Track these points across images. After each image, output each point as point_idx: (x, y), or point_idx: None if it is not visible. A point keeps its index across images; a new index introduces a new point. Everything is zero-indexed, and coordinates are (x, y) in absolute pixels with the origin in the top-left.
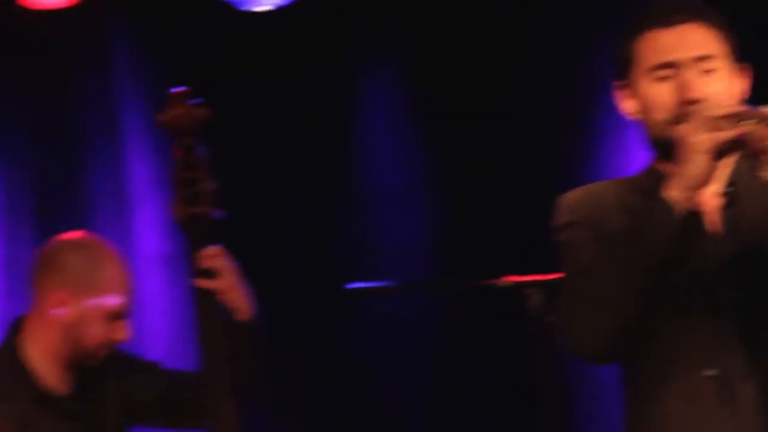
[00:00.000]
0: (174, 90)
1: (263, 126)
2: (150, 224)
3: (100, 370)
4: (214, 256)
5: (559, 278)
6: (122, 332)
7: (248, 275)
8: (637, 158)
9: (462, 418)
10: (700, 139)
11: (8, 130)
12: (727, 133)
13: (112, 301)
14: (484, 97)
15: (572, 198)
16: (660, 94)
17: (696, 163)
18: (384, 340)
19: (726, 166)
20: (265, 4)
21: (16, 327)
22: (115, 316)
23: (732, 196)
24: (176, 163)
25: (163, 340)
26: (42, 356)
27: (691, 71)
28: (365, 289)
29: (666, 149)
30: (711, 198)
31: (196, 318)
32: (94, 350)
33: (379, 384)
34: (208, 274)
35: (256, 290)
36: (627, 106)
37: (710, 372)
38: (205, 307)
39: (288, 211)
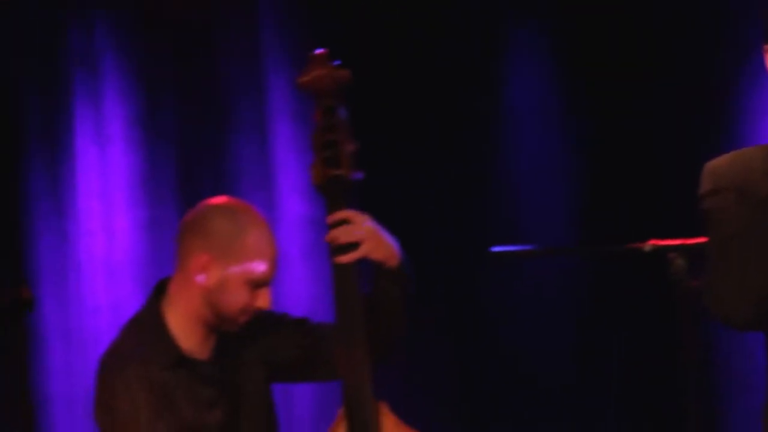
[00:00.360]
0: (315, 51)
1: (406, 88)
2: (293, 188)
3: (242, 333)
4: (350, 223)
5: (703, 243)
6: (264, 300)
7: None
8: None
9: (601, 383)
10: None
11: (154, 95)
12: None
13: (256, 269)
14: (629, 61)
15: (718, 165)
16: None
17: None
18: (527, 303)
19: None
20: None
21: (160, 289)
22: (258, 284)
23: None
24: (316, 125)
25: (304, 303)
26: (183, 320)
27: None
28: (509, 252)
29: None
30: None
31: (334, 291)
32: (235, 316)
33: (521, 347)
34: (346, 248)
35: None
36: None
37: None
38: (343, 280)
39: (432, 173)
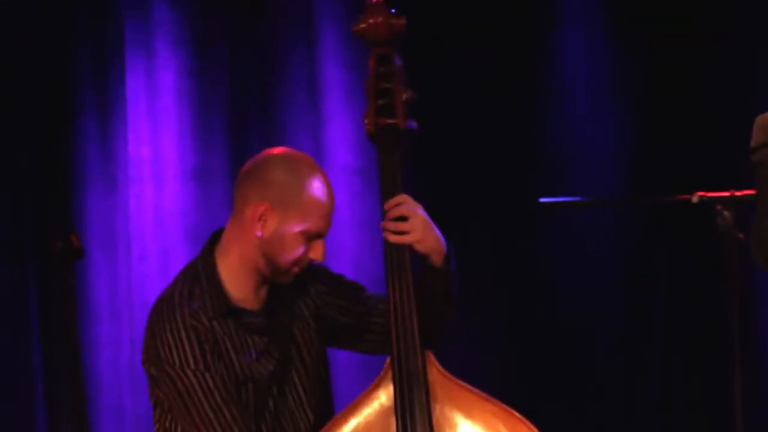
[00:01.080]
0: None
1: (458, 38)
2: (341, 138)
3: (296, 287)
4: (403, 205)
5: (751, 195)
6: (318, 252)
7: (444, 187)
8: None
9: (647, 333)
10: None
11: (204, 45)
12: None
13: (313, 221)
14: (680, 15)
15: None
16: None
17: None
18: (576, 253)
19: None
20: None
21: (215, 238)
22: (313, 236)
23: None
24: (371, 73)
25: (349, 252)
26: (235, 269)
27: None
28: (558, 203)
29: None
30: None
31: (385, 260)
32: (288, 267)
33: (569, 297)
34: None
35: (452, 202)
36: None
37: None
38: (394, 253)
39: (483, 125)
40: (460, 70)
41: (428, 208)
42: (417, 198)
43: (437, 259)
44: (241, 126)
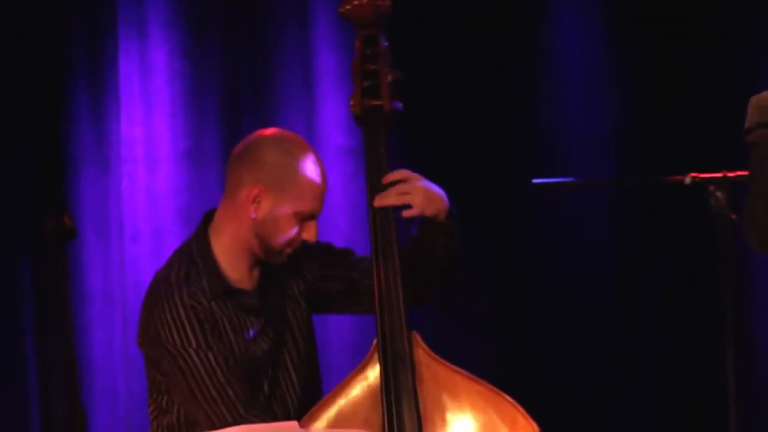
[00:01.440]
0: None
1: (450, 20)
2: (334, 118)
3: (287, 264)
4: (405, 181)
5: (744, 176)
6: (311, 232)
7: (435, 170)
8: None
9: (641, 315)
10: None
11: (198, 25)
12: None
13: (306, 202)
14: None
15: (765, 98)
16: None
17: None
18: (568, 234)
19: None
20: None
21: (208, 217)
22: (306, 217)
23: None
24: (356, 54)
25: (342, 233)
26: (229, 250)
27: None
28: (551, 184)
29: None
30: None
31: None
32: (281, 248)
33: (561, 278)
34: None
35: (443, 184)
36: None
37: None
38: (382, 220)
39: (474, 105)
40: (451, 53)
41: None
42: None
43: (441, 216)
44: (234, 107)
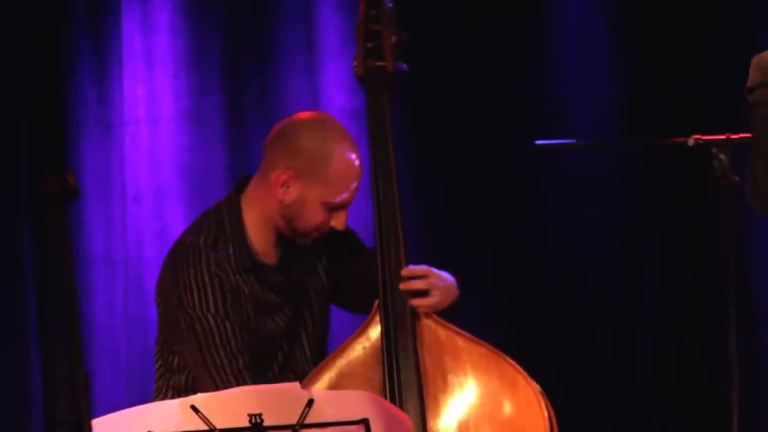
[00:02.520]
0: None
1: None
2: (337, 79)
3: (313, 244)
4: (421, 276)
5: (747, 138)
6: (340, 221)
7: (439, 134)
8: None
9: (643, 276)
10: None
11: None
12: None
13: (335, 195)
14: None
15: (767, 58)
16: None
17: None
18: (570, 196)
19: None
20: None
21: (241, 186)
22: (336, 207)
23: None
24: (361, 15)
25: None
26: (258, 223)
27: None
28: (554, 145)
29: None
30: None
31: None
32: (307, 232)
33: (564, 239)
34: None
35: (446, 147)
36: None
37: None
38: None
39: (478, 68)
40: (456, 18)
41: (422, 154)
42: (412, 143)
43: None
44: (236, 66)
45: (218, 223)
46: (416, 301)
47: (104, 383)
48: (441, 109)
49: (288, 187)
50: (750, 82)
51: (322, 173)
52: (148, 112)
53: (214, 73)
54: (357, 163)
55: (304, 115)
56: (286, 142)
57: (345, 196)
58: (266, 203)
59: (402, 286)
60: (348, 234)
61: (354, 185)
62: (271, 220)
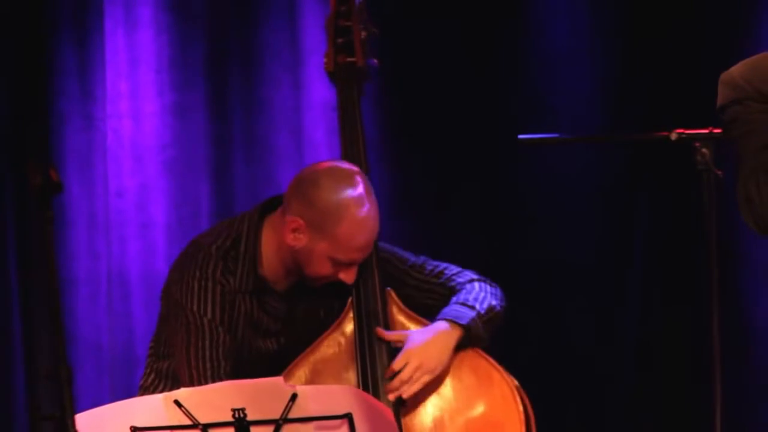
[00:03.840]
0: None
1: None
2: (320, 73)
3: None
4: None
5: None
6: (350, 276)
7: (421, 128)
8: None
9: (625, 270)
10: None
11: None
12: None
13: (342, 253)
14: None
15: (737, 74)
16: None
17: None
18: (553, 190)
19: None
20: None
21: (268, 207)
22: (344, 264)
23: None
24: (331, 11)
25: None
26: (271, 251)
27: None
28: (537, 139)
29: None
30: None
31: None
32: (315, 279)
33: (547, 233)
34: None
35: (431, 141)
36: None
37: None
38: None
39: (460, 61)
40: (436, 9)
41: (406, 149)
42: (391, 138)
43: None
44: (220, 61)
45: (236, 236)
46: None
47: (87, 378)
48: (422, 103)
49: (298, 234)
50: (721, 100)
51: (332, 231)
52: (131, 107)
53: (197, 69)
54: (370, 223)
55: (328, 165)
56: (303, 191)
57: (354, 255)
58: (281, 240)
59: (390, 396)
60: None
61: (363, 245)
62: (284, 258)
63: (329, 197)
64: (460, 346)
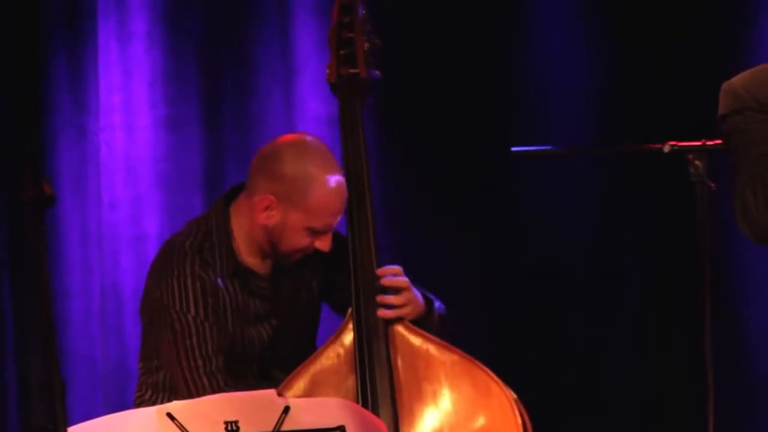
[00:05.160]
0: None
1: None
2: (313, 87)
3: (308, 256)
4: (394, 275)
5: (722, 145)
6: (325, 243)
7: (415, 140)
8: None
9: (619, 283)
10: None
11: None
12: None
13: (317, 220)
14: None
15: (739, 84)
16: None
17: None
18: (547, 202)
19: None
20: None
21: (232, 194)
22: (319, 232)
23: None
24: (334, 22)
25: None
26: (245, 238)
27: None
28: (530, 152)
29: None
30: None
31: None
32: (291, 254)
33: (540, 246)
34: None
35: (427, 152)
36: None
37: None
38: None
39: (453, 74)
40: (430, 21)
41: (399, 160)
42: (386, 149)
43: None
44: (212, 74)
45: (205, 229)
46: (383, 312)
47: (80, 390)
48: (415, 116)
49: (270, 211)
50: (722, 110)
51: (303, 199)
52: (124, 120)
53: (191, 82)
54: (339, 187)
55: (287, 138)
56: (268, 168)
57: (327, 221)
58: (251, 223)
59: (379, 299)
60: (341, 252)
61: (336, 209)
62: (257, 241)
63: (296, 168)
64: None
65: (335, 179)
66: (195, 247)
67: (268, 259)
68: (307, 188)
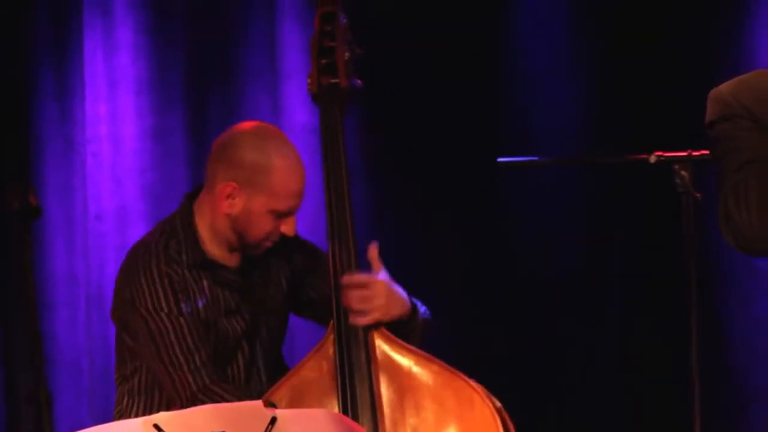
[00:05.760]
0: None
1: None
2: (300, 96)
3: (275, 252)
4: (366, 289)
5: (708, 155)
6: (290, 226)
7: (402, 150)
8: None
9: (606, 292)
10: None
11: (162, 2)
12: None
13: (280, 202)
14: None
15: (727, 91)
16: None
17: None
18: (533, 212)
19: None
20: None
21: (194, 194)
22: (283, 214)
23: None
24: (315, 31)
25: (308, 211)
26: (208, 233)
27: None
28: (516, 162)
29: None
30: None
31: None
32: (258, 242)
33: (527, 256)
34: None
35: (413, 164)
36: None
37: None
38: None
39: (439, 84)
40: (415, 30)
41: (385, 170)
42: (373, 159)
43: (404, 317)
44: (198, 85)
45: (171, 228)
46: (354, 318)
47: (66, 401)
48: (402, 127)
49: (233, 198)
50: (709, 117)
51: (266, 182)
52: (111, 131)
53: (177, 92)
54: (299, 168)
55: (243, 126)
56: (226, 156)
57: (290, 202)
58: (215, 215)
59: (344, 301)
60: (310, 249)
61: (299, 190)
62: (222, 233)
63: (254, 153)
64: (399, 323)
65: (295, 160)
66: (161, 246)
67: (236, 252)
68: (269, 170)
